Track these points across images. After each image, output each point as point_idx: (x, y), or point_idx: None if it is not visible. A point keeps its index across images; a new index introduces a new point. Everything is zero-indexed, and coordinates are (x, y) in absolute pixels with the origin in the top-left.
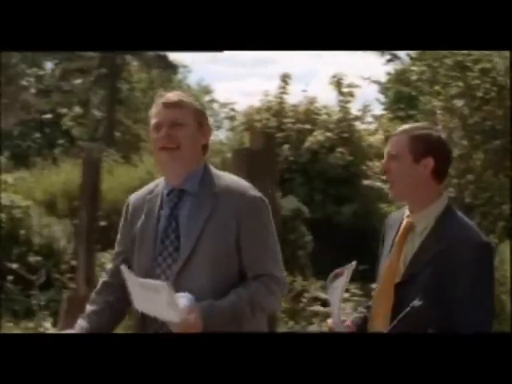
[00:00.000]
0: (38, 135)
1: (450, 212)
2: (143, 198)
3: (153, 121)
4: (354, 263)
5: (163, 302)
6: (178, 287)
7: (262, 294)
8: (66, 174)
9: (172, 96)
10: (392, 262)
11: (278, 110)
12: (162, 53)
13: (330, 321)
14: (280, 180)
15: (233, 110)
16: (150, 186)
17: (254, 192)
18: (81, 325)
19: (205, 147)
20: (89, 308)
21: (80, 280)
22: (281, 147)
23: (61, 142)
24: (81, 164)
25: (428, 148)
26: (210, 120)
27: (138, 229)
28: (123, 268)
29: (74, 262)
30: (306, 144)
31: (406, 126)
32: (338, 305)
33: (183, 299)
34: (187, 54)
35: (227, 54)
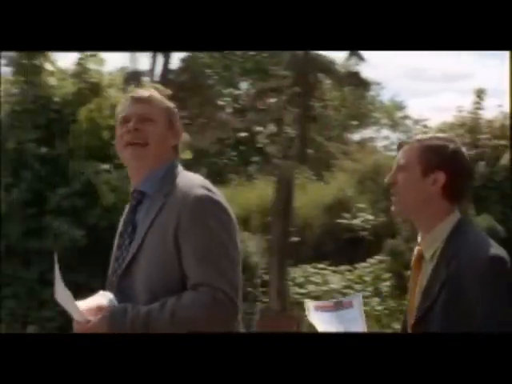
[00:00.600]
0: (233, 153)
1: (460, 230)
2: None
3: (120, 115)
4: (359, 294)
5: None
6: (120, 289)
7: (189, 306)
8: (260, 190)
9: (143, 91)
10: (410, 301)
11: (472, 126)
12: (353, 70)
13: None
14: (475, 197)
15: (425, 126)
16: None
17: (202, 191)
18: None
19: (175, 148)
20: None
21: (272, 294)
22: (476, 164)
23: (255, 159)
24: (274, 181)
25: (440, 161)
26: (403, 136)
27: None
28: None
29: (266, 277)
30: (502, 161)
31: (422, 136)
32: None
33: (101, 298)
34: (379, 70)
35: (418, 70)
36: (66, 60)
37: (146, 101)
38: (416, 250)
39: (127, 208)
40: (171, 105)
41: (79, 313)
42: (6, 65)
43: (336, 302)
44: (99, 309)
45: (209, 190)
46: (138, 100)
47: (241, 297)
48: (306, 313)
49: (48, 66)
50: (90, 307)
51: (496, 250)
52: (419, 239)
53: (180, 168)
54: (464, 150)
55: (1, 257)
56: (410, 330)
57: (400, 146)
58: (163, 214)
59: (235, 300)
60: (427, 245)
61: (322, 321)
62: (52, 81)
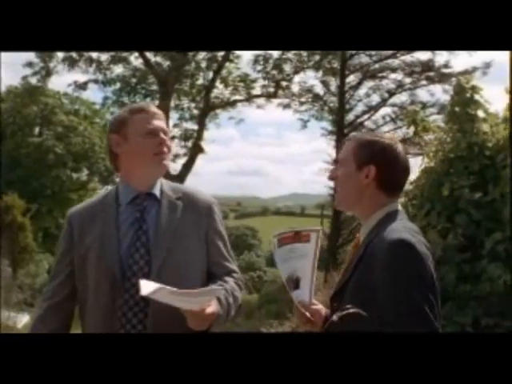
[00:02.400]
0: None
1: (386, 219)
2: (91, 210)
3: (142, 127)
4: (319, 228)
5: (199, 300)
6: (159, 282)
7: (237, 289)
8: None
9: (153, 106)
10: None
11: None
12: None
13: (300, 299)
14: None
15: None
16: (93, 200)
17: (211, 198)
18: None
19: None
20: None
21: None
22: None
23: None
24: None
25: (371, 155)
26: None
27: (94, 239)
28: (165, 289)
29: None
30: None
31: (358, 133)
32: (311, 278)
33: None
34: None
35: None
36: (497, 104)
37: (161, 117)
38: (357, 236)
39: (114, 211)
40: None
41: (202, 305)
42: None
43: (296, 232)
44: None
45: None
46: (156, 116)
47: None
48: (272, 249)
49: (480, 113)
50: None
51: (404, 234)
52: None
53: None
54: (398, 146)
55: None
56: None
57: (343, 142)
58: (189, 216)
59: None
60: (362, 232)
61: (280, 257)
62: (485, 127)
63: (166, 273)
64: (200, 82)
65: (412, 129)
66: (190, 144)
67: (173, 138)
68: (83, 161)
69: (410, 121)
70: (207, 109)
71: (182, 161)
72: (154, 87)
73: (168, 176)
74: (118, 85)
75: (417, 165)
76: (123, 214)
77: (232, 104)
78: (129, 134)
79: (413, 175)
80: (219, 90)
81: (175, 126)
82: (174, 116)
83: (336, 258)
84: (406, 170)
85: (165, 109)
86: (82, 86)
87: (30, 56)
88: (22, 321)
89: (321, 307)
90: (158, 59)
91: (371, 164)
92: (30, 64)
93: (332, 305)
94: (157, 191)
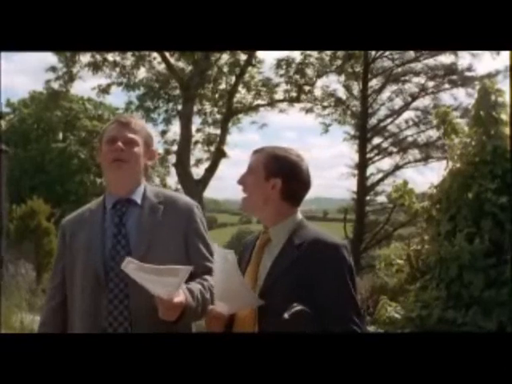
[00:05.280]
0: None
1: (304, 225)
2: (80, 218)
3: (107, 135)
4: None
5: (169, 282)
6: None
7: (210, 289)
8: None
9: (127, 117)
10: (250, 276)
11: None
12: None
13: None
14: None
15: None
16: (84, 208)
17: (193, 201)
18: None
19: (146, 167)
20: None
21: None
22: None
23: None
24: None
25: (279, 169)
26: None
27: (82, 244)
28: (134, 264)
29: None
30: None
31: (271, 146)
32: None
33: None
34: None
35: None
36: None
37: (130, 125)
38: (261, 236)
39: (101, 215)
40: (149, 132)
41: (174, 292)
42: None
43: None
44: (179, 293)
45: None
46: (124, 124)
47: None
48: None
49: (504, 117)
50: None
51: (337, 239)
52: (264, 228)
53: (147, 184)
54: (303, 163)
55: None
56: None
57: (254, 152)
58: (168, 219)
59: None
60: (275, 233)
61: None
62: (507, 131)
63: None
64: (222, 86)
65: (441, 131)
66: (212, 149)
67: (196, 142)
68: None
69: (440, 121)
70: (230, 113)
71: (204, 165)
72: (177, 92)
73: (190, 180)
74: (142, 89)
75: (440, 168)
76: (107, 219)
77: (254, 108)
78: (102, 143)
79: (437, 179)
80: (242, 95)
81: (198, 130)
82: (196, 121)
83: (359, 263)
84: (308, 185)
85: (187, 114)
86: (106, 90)
87: (53, 61)
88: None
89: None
90: (181, 64)
91: (278, 177)
92: (53, 69)
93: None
94: (137, 196)
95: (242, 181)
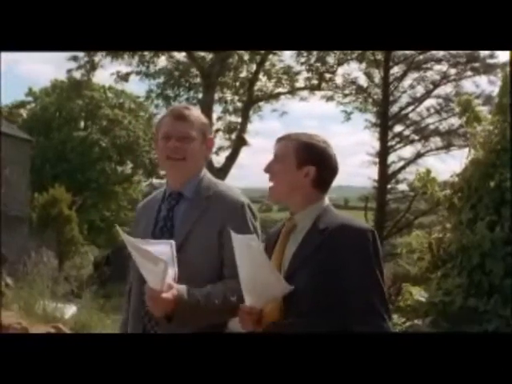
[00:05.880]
0: None
1: (330, 210)
2: (145, 204)
3: (162, 130)
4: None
5: (154, 272)
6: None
7: (236, 291)
8: None
9: (181, 109)
10: (274, 263)
11: None
12: None
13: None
14: None
15: None
16: (155, 193)
17: (238, 198)
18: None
19: (206, 158)
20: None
21: None
22: None
23: None
24: None
25: (312, 157)
26: None
27: (141, 231)
28: (123, 235)
29: None
30: None
31: (295, 133)
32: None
33: (170, 269)
34: None
35: None
36: None
37: (185, 119)
38: (287, 222)
39: (158, 204)
40: (206, 120)
41: (160, 284)
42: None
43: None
44: (170, 286)
45: (245, 198)
46: (178, 118)
47: None
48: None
49: None
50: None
51: (364, 224)
52: (290, 214)
53: (209, 175)
54: (331, 149)
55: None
56: None
57: (278, 139)
58: (209, 213)
59: None
60: (300, 219)
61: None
62: None
63: (179, 269)
64: (243, 74)
65: (463, 119)
66: (233, 137)
67: (217, 130)
68: (128, 154)
69: (462, 109)
70: (250, 101)
71: (225, 153)
72: (198, 80)
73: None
74: (162, 78)
75: (462, 156)
76: (163, 209)
77: (275, 96)
78: (157, 137)
79: (459, 167)
80: (262, 83)
81: (219, 118)
82: (217, 109)
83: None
84: (337, 171)
85: (208, 102)
86: (124, 77)
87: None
88: (69, 312)
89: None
90: (201, 52)
91: (311, 165)
92: (74, 58)
93: None
94: (188, 190)
95: (269, 169)
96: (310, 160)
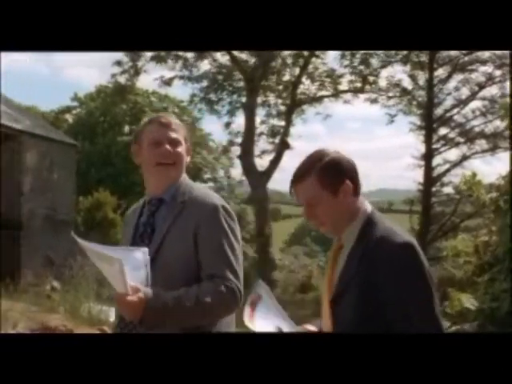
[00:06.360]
0: None
1: (372, 221)
2: (131, 212)
3: (150, 137)
4: (259, 281)
5: (114, 273)
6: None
7: (210, 293)
8: None
9: (166, 117)
10: (327, 283)
11: None
12: None
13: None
14: None
15: None
16: (141, 200)
17: (212, 201)
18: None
19: (186, 163)
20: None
21: None
22: None
23: None
24: None
25: (336, 175)
26: None
27: (125, 237)
28: (78, 240)
29: None
30: None
31: (300, 170)
32: (288, 323)
33: (142, 274)
34: None
35: None
36: None
37: (172, 125)
38: (336, 241)
39: (139, 212)
40: (185, 127)
41: (124, 286)
42: None
43: (251, 302)
44: (136, 289)
45: (220, 200)
46: (165, 125)
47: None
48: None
49: None
50: (130, 284)
51: (405, 236)
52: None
53: (188, 179)
54: (336, 152)
55: None
56: (326, 307)
57: (293, 183)
58: (183, 217)
59: (240, 289)
60: (346, 237)
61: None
62: None
63: (154, 272)
64: (286, 78)
65: (506, 122)
66: (276, 140)
67: (260, 134)
68: None
69: (504, 113)
70: (294, 105)
71: (269, 157)
72: (241, 84)
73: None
74: (205, 82)
75: (508, 158)
76: (144, 214)
77: (318, 99)
78: (142, 145)
79: (505, 170)
80: (306, 86)
81: (262, 122)
82: (260, 112)
83: (426, 255)
84: (354, 163)
85: (251, 106)
86: (168, 82)
87: (119, 55)
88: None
89: (309, 327)
90: (244, 56)
91: (342, 182)
92: (118, 63)
93: (332, 307)
94: (167, 195)
95: (310, 217)
96: (337, 179)
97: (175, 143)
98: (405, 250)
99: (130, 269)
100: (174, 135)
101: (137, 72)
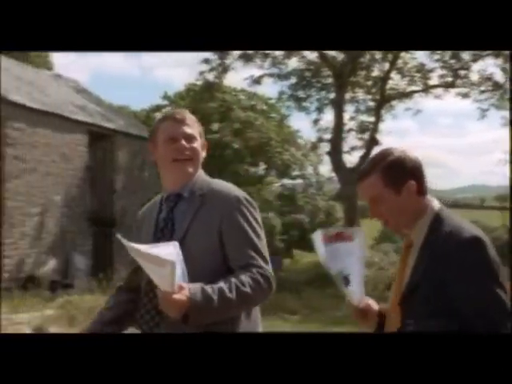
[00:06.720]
0: None
1: (440, 218)
2: (146, 209)
3: (165, 134)
4: (361, 228)
5: (163, 274)
6: None
7: (248, 282)
8: None
9: (181, 113)
10: (399, 278)
11: None
12: None
13: (355, 298)
14: None
15: None
16: (154, 200)
17: (236, 193)
18: (94, 318)
19: (202, 159)
20: (103, 306)
21: None
22: None
23: None
24: None
25: (400, 173)
26: None
27: (143, 236)
28: (125, 242)
29: None
30: None
31: (364, 168)
32: (360, 276)
33: (179, 271)
34: None
35: None
36: None
37: (186, 121)
38: (405, 240)
39: (158, 208)
40: (199, 123)
41: (171, 286)
42: None
43: (337, 233)
44: (181, 287)
45: (241, 192)
46: (180, 121)
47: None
48: (314, 244)
49: None
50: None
51: (474, 231)
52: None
53: (204, 175)
54: (401, 150)
55: None
56: (394, 303)
57: (359, 182)
58: (205, 210)
59: (272, 274)
60: (416, 234)
61: (323, 253)
62: None
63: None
64: (375, 73)
65: None
66: (366, 136)
67: (349, 130)
68: (260, 155)
69: None
70: (383, 100)
71: (358, 153)
72: (329, 80)
73: (344, 168)
74: (293, 79)
75: None
76: (163, 210)
77: (408, 95)
78: (157, 142)
79: None
80: (395, 81)
81: (351, 118)
82: (349, 109)
83: None
84: (420, 161)
85: (340, 102)
86: (258, 81)
87: (207, 53)
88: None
89: (372, 302)
90: (333, 52)
91: (405, 180)
92: (206, 60)
93: (403, 306)
94: (185, 190)
95: (376, 214)
96: (401, 178)
97: (190, 139)
98: (472, 244)
99: None
100: (189, 131)
101: (224, 70)
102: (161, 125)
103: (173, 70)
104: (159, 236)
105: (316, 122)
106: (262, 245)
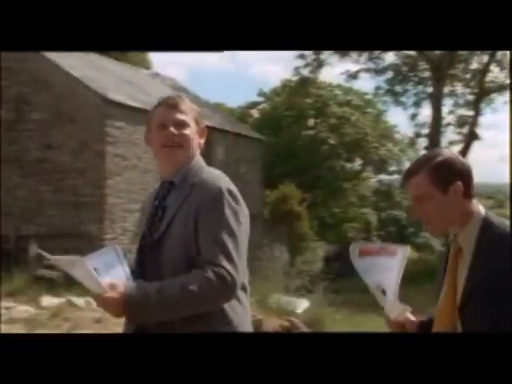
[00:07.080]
0: None
1: (489, 222)
2: (147, 197)
3: (157, 120)
4: (407, 247)
5: (84, 275)
6: (147, 262)
7: (196, 280)
8: None
9: (174, 98)
10: (449, 288)
11: None
12: None
13: (390, 311)
14: None
15: None
16: (157, 186)
17: (221, 184)
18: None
19: (200, 145)
20: None
21: None
22: None
23: None
24: None
25: (448, 174)
26: None
27: (142, 223)
28: (50, 256)
29: None
30: None
31: (412, 166)
32: (395, 290)
33: (118, 271)
34: None
35: None
36: None
37: (179, 107)
38: (452, 247)
39: (154, 196)
40: (198, 108)
41: (98, 286)
42: None
43: (381, 247)
44: (113, 286)
45: (227, 183)
46: (173, 107)
47: (242, 275)
48: (350, 256)
49: None
50: (106, 282)
51: None
52: (452, 236)
53: (202, 162)
54: (455, 153)
55: None
56: (448, 310)
57: (404, 180)
58: (188, 201)
59: (235, 277)
60: (464, 239)
61: (361, 266)
62: None
63: (159, 258)
64: (474, 66)
65: None
66: (464, 130)
67: (447, 125)
68: (356, 151)
69: None
70: (482, 93)
71: (457, 148)
72: (426, 74)
73: None
74: (390, 74)
75: None
76: (156, 200)
77: (508, 87)
78: (151, 128)
79: None
80: (494, 74)
81: (449, 112)
82: (447, 102)
83: None
84: (470, 166)
85: (438, 95)
86: (354, 75)
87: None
88: (302, 306)
89: (408, 314)
90: None
91: (453, 181)
92: (301, 56)
93: (462, 314)
94: (177, 178)
95: (418, 212)
96: (448, 178)
97: (182, 125)
98: None
99: (104, 268)
100: (180, 117)
101: (319, 65)
102: (155, 111)
103: (268, 67)
104: (150, 224)
105: (413, 116)
106: (234, 243)
